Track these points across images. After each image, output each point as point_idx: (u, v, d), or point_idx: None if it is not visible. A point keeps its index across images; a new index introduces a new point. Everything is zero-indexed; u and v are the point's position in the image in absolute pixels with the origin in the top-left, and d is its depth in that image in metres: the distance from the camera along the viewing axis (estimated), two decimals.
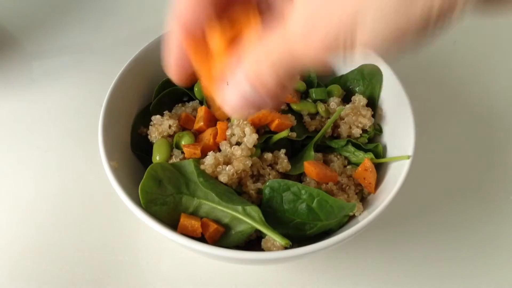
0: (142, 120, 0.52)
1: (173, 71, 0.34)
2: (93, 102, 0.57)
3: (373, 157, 0.48)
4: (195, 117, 0.50)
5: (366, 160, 0.47)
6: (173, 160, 0.47)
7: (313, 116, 0.52)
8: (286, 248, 0.41)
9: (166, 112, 0.51)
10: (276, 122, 0.47)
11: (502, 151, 0.59)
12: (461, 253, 0.52)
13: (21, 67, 0.69)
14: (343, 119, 0.51)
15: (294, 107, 0.51)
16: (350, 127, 0.50)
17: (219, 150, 0.46)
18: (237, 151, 0.45)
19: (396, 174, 0.45)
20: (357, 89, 0.53)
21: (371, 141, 0.51)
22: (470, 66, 0.67)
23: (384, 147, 0.50)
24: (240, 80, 0.29)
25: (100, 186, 0.55)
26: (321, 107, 0.51)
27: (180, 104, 0.53)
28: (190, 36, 0.31)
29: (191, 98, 0.54)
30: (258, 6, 0.32)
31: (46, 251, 0.52)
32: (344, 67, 0.55)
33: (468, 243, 0.52)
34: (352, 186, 0.48)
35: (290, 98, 0.51)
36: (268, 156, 0.47)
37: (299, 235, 0.44)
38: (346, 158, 0.50)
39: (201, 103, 0.52)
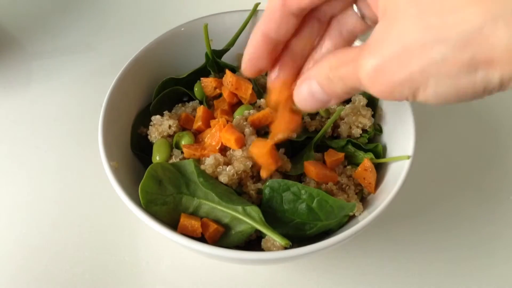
0: (142, 120, 0.52)
1: (246, 65, 0.37)
2: (93, 102, 0.57)
3: (373, 157, 0.48)
4: (195, 117, 0.50)
5: (366, 160, 0.47)
6: (173, 160, 0.47)
7: (313, 116, 0.52)
8: (286, 248, 0.41)
9: (166, 112, 0.51)
10: None
11: (502, 151, 0.59)
12: (461, 253, 0.52)
13: (21, 67, 0.69)
14: (343, 119, 0.51)
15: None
16: (350, 127, 0.50)
17: (220, 151, 0.46)
18: (238, 151, 0.45)
19: (396, 174, 0.45)
20: None
21: (371, 141, 0.51)
22: None
23: (384, 147, 0.50)
24: (312, 79, 0.33)
25: (100, 186, 0.54)
26: None
27: (180, 104, 0.53)
28: (271, 42, 0.36)
29: (191, 98, 0.54)
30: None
31: (46, 251, 0.52)
32: None
33: (468, 242, 0.52)
34: (352, 186, 0.48)
35: None
36: None
37: (299, 235, 0.44)
38: (346, 158, 0.49)
39: (201, 103, 0.53)
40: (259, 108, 0.49)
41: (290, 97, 0.37)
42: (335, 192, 0.46)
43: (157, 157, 0.48)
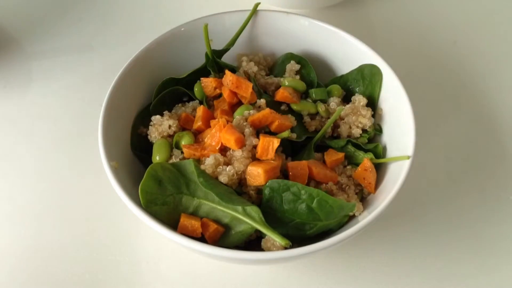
0: (142, 120, 0.52)
1: None
2: (93, 102, 0.57)
3: (373, 157, 0.48)
4: (195, 117, 0.50)
5: (366, 160, 0.47)
6: (173, 160, 0.47)
7: (313, 116, 0.52)
8: (286, 248, 0.41)
9: (166, 112, 0.51)
10: (276, 123, 0.47)
11: (502, 151, 0.59)
12: (461, 253, 0.52)
13: (21, 67, 0.69)
14: (343, 119, 0.51)
15: (294, 107, 0.51)
16: (350, 127, 0.50)
17: (220, 151, 0.46)
18: (238, 152, 0.45)
19: (396, 174, 0.45)
20: (357, 89, 0.53)
21: (371, 141, 0.51)
22: (470, 66, 0.67)
23: (384, 147, 0.50)
24: None
25: (100, 186, 0.54)
26: (321, 107, 0.51)
27: (180, 104, 0.53)
28: None
29: (191, 98, 0.54)
30: None
31: (46, 251, 0.52)
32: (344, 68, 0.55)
33: (468, 243, 0.52)
34: (352, 186, 0.48)
35: (290, 98, 0.51)
36: None
37: (299, 235, 0.44)
38: (346, 158, 0.49)
39: (201, 103, 0.53)
40: (259, 108, 0.49)
41: None
42: (335, 192, 0.46)
43: (157, 157, 0.48)
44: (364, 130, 0.51)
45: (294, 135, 0.48)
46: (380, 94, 0.52)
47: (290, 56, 0.56)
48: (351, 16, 0.73)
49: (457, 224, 0.54)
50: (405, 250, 0.52)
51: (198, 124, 0.49)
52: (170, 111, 0.52)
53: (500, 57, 0.68)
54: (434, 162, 0.58)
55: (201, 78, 0.53)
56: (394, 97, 0.50)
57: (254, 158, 0.46)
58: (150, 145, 0.50)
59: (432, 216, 0.54)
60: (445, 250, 0.52)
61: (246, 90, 0.49)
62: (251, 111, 0.48)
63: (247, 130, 0.46)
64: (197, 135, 0.49)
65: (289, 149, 0.50)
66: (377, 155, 0.49)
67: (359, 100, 0.51)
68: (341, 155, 0.48)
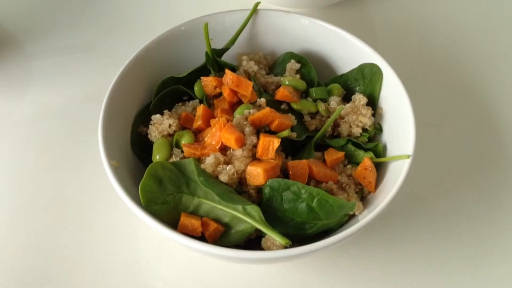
0: (142, 119, 0.52)
1: None
2: (93, 101, 0.57)
3: (373, 156, 0.48)
4: (195, 116, 0.50)
5: (366, 159, 0.47)
6: (173, 159, 0.47)
7: (313, 115, 0.52)
8: (286, 247, 0.41)
9: (166, 111, 0.51)
10: (277, 122, 0.47)
11: (503, 150, 0.59)
12: (461, 252, 0.52)
13: (21, 67, 0.69)
14: (343, 118, 0.51)
15: (294, 106, 0.51)
16: (350, 126, 0.50)
17: (220, 150, 0.46)
18: (238, 151, 0.45)
19: (396, 174, 0.45)
20: (357, 88, 0.53)
21: (371, 140, 0.51)
22: (470, 66, 0.67)
23: (384, 146, 0.50)
24: None
25: (100, 185, 0.54)
26: (321, 106, 0.51)
27: (180, 103, 0.53)
28: None
29: (191, 97, 0.54)
30: None
31: (46, 251, 0.52)
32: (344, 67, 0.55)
33: (468, 242, 0.52)
34: (352, 185, 0.48)
35: (290, 97, 0.51)
36: None
37: (299, 234, 0.44)
38: (346, 157, 0.49)
39: (201, 102, 0.52)
40: (259, 107, 0.49)
41: None
42: (335, 191, 0.46)
43: (157, 156, 0.48)
44: (364, 129, 0.51)
45: (294, 134, 0.48)
46: (380, 93, 0.52)
47: (290, 55, 0.56)
48: (351, 15, 0.73)
49: (457, 223, 0.54)
50: (405, 249, 0.52)
51: (198, 123, 0.49)
52: (170, 110, 0.52)
53: (500, 56, 0.68)
54: (435, 161, 0.58)
55: (201, 77, 0.53)
56: (394, 96, 0.50)
57: (254, 157, 0.45)
58: (150, 144, 0.50)
59: (432, 215, 0.54)
60: (445, 249, 0.52)
61: (246, 89, 0.49)
62: (251, 110, 0.48)
63: (247, 129, 0.46)
64: (197, 134, 0.49)
65: (289, 148, 0.50)
66: (377, 154, 0.49)
67: (359, 99, 0.51)
68: (341, 154, 0.48)
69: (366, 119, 0.50)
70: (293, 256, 0.41)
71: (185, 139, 0.48)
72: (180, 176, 0.45)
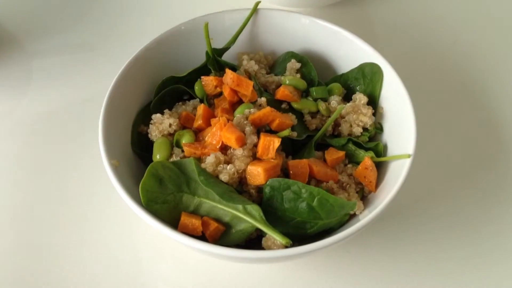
0: (143, 118, 0.52)
1: None
2: (94, 101, 0.57)
3: (374, 155, 0.48)
4: (195, 115, 0.50)
5: (366, 159, 0.47)
6: (174, 158, 0.47)
7: (313, 114, 0.52)
8: (286, 247, 0.41)
9: (166, 111, 0.51)
10: (277, 121, 0.47)
11: (503, 150, 0.59)
12: (462, 252, 0.52)
13: (21, 67, 0.69)
14: (344, 118, 0.51)
15: (295, 105, 0.51)
16: (351, 126, 0.50)
17: (220, 150, 0.46)
18: (238, 150, 0.45)
19: (397, 173, 0.45)
20: (357, 87, 0.53)
21: (372, 140, 0.51)
22: (470, 66, 0.67)
23: (385, 146, 0.50)
24: None
25: (101, 185, 0.54)
26: (322, 106, 0.51)
27: (180, 103, 0.53)
28: None
29: (192, 97, 0.54)
30: None
31: (46, 250, 0.52)
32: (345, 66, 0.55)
33: (469, 241, 0.52)
34: (352, 185, 0.48)
35: (291, 97, 0.51)
36: None
37: (299, 234, 0.44)
38: (346, 156, 0.49)
39: (201, 101, 0.52)
40: (259, 106, 0.49)
41: None
42: (335, 190, 0.46)
43: (157, 156, 0.48)
44: (365, 129, 0.51)
45: (294, 134, 0.48)
46: (380, 93, 0.52)
47: (291, 55, 0.56)
48: (351, 14, 0.73)
49: (458, 223, 0.54)
50: (406, 249, 0.52)
51: (198, 122, 0.49)
52: (170, 109, 0.52)
53: (500, 56, 0.68)
54: (435, 161, 0.58)
55: (202, 77, 0.53)
56: (394, 95, 0.50)
57: (254, 157, 0.45)
58: (150, 143, 0.50)
59: (432, 215, 0.54)
60: (445, 249, 0.52)
61: (247, 88, 0.49)
62: (251, 109, 0.48)
63: (248, 129, 0.46)
64: (198, 134, 0.49)
65: (290, 148, 0.50)
66: (378, 154, 0.49)
67: (360, 98, 0.51)
68: (341, 153, 0.48)
69: (366, 118, 0.50)
70: (293, 255, 0.41)
71: (186, 139, 0.48)
72: (181, 175, 0.45)
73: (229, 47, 0.55)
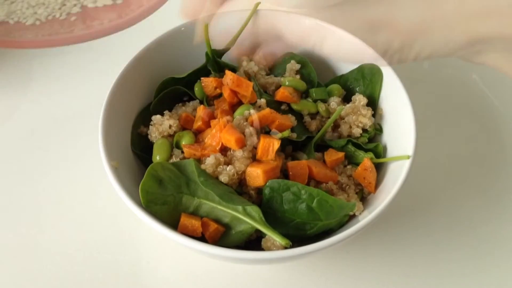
0: (143, 119, 0.52)
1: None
2: (94, 101, 0.57)
3: (373, 156, 0.48)
4: (195, 116, 0.50)
5: (366, 160, 0.47)
6: (173, 159, 0.47)
7: (313, 116, 0.52)
8: (286, 248, 0.41)
9: (166, 112, 0.51)
10: (277, 123, 0.47)
11: (504, 150, 0.59)
12: (462, 253, 0.52)
13: (21, 67, 0.69)
14: (343, 119, 0.51)
15: (294, 107, 0.51)
16: (350, 127, 0.50)
17: (220, 151, 0.46)
18: (238, 152, 0.45)
19: (397, 174, 0.45)
20: (357, 88, 0.53)
21: (371, 141, 0.51)
22: (470, 65, 0.67)
23: (384, 147, 0.50)
24: None
25: (100, 186, 0.54)
26: (321, 107, 0.51)
27: (180, 104, 0.53)
28: None
29: (192, 98, 0.54)
30: None
31: (46, 251, 0.52)
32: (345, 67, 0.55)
33: (469, 243, 0.52)
34: (352, 186, 0.48)
35: (290, 98, 0.51)
36: None
37: (299, 235, 0.44)
38: (346, 157, 0.49)
39: (201, 102, 0.52)
40: (259, 108, 0.49)
41: None
42: (335, 191, 0.46)
43: (157, 157, 0.48)
44: (365, 130, 0.51)
45: (294, 135, 0.48)
46: (380, 94, 0.52)
47: (291, 56, 0.56)
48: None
49: (458, 224, 0.54)
50: (406, 250, 0.52)
51: (198, 124, 0.49)
52: (170, 110, 0.52)
53: None
54: (435, 162, 0.58)
55: (202, 78, 0.53)
56: (394, 96, 0.50)
57: (254, 158, 0.46)
58: (150, 144, 0.50)
59: (432, 216, 0.54)
60: (445, 250, 0.52)
61: (247, 89, 0.49)
62: (251, 111, 0.48)
63: (248, 130, 0.46)
64: (198, 135, 0.49)
65: (289, 149, 0.50)
66: (378, 155, 0.49)
67: (360, 99, 0.51)
68: (341, 154, 0.48)
69: (366, 119, 0.50)
70: (293, 256, 0.41)
71: (185, 140, 0.48)
72: (180, 176, 0.45)
73: (229, 48, 0.55)
